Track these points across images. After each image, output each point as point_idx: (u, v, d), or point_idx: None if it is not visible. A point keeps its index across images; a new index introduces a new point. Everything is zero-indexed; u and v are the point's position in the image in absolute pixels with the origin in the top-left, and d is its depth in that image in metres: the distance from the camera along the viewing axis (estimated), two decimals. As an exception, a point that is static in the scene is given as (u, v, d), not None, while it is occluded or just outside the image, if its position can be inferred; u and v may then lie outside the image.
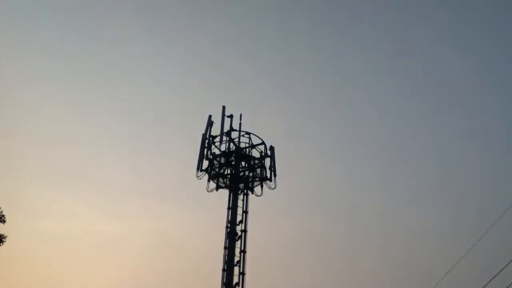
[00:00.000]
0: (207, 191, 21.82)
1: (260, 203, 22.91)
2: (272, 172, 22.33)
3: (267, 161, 22.54)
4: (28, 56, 55.19)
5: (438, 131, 60.66)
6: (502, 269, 15.27)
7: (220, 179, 22.05)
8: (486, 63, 64.10)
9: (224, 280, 18.97)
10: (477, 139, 59.58)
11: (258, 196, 22.02)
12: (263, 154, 22.54)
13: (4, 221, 18.87)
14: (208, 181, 21.95)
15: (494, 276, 15.18)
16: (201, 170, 21.88)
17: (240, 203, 21.21)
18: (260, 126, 25.66)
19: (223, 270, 19.22)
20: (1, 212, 18.32)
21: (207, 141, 22.41)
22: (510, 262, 14.51)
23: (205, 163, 22.12)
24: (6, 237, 19.04)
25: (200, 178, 21.82)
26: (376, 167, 57.39)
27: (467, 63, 64.27)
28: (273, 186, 22.18)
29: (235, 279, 18.99)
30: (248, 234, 20.44)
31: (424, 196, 55.12)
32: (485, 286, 15.63)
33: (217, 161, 22.24)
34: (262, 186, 22.17)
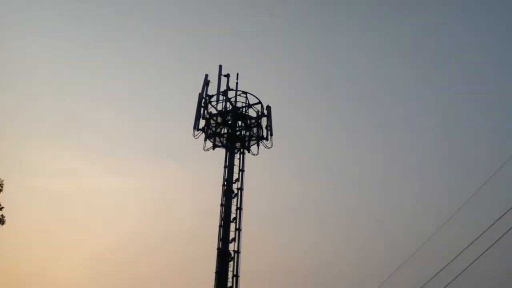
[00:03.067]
0: (204, 150, 22.09)
1: (257, 163, 23.25)
2: (269, 132, 22.55)
3: (264, 121, 22.74)
4: (29, 12, 54.30)
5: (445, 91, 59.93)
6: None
7: (217, 138, 22.29)
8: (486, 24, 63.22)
9: (221, 236, 19.47)
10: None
11: (254, 155, 22.32)
12: (259, 113, 22.68)
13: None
14: (205, 140, 22.17)
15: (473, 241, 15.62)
16: (198, 129, 22.06)
17: (236, 162, 21.51)
18: (257, 86, 25.63)
19: (220, 226, 19.70)
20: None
21: (203, 100, 22.51)
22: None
23: (202, 123, 22.29)
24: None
25: (197, 137, 22.03)
26: (378, 129, 57.35)
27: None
28: (269, 145, 22.45)
29: (231, 235, 19.49)
30: (245, 193, 20.85)
31: (427, 161, 55.31)
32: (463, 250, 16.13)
33: (213, 120, 22.40)
34: (258, 145, 22.45)
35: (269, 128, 22.60)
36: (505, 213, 14.39)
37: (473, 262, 15.52)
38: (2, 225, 17.13)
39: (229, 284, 18.49)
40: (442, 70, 61.53)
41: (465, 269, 15.77)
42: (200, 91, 22.71)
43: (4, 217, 17.54)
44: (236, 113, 22.35)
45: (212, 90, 22.85)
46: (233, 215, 20.04)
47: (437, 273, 17.11)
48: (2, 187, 18.32)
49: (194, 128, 22.01)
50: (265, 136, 22.48)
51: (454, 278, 16.28)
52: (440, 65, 61.35)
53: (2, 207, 18.32)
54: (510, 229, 14.20)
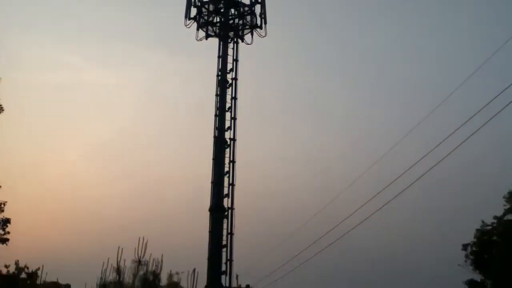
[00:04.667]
0: (196, 40, 21.65)
1: (251, 54, 22.95)
2: (263, 20, 21.92)
3: (258, 8, 22.00)
4: None
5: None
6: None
7: (210, 28, 21.74)
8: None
9: (217, 125, 19.84)
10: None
11: (248, 44, 21.91)
12: (253, 0, 21.90)
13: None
14: (197, 29, 21.64)
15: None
16: (190, 18, 21.45)
17: (230, 52, 21.18)
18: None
19: (216, 115, 19.97)
20: None
21: (194, -13, 21.58)
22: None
23: (193, 11, 21.62)
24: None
25: (189, 27, 21.50)
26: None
27: None
28: (263, 34, 21.97)
29: (227, 124, 19.84)
30: (240, 83, 20.83)
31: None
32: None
33: (205, 8, 21.69)
34: (252, 34, 21.96)
35: (263, 16, 21.93)
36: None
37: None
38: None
39: (226, 169, 19.18)
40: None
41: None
42: (190, -23, 21.68)
43: (2, 105, 17.81)
44: (228, 0, 21.58)
45: (203, -24, 21.83)
46: (228, 105, 20.24)
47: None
48: None
49: (186, 17, 21.39)
50: (259, 25, 21.91)
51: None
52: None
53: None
54: None
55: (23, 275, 29.37)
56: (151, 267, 28.72)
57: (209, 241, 18.35)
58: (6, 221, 26.96)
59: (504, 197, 30.00)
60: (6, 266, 28.11)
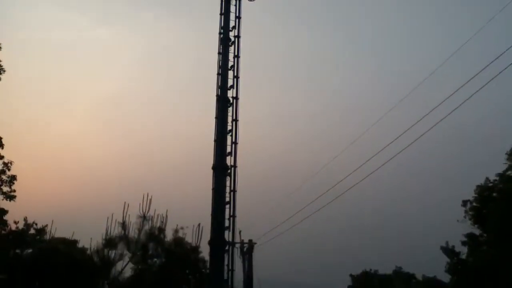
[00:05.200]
0: (198, -4, 21.24)
1: (253, 11, 22.56)
2: (265, -25, 21.42)
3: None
4: None
5: None
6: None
7: (211, -17, 21.28)
8: None
9: (219, 83, 19.79)
10: None
11: (250, 1, 21.50)
12: (255, -46, 21.29)
13: None
14: (199, -15, 21.21)
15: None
16: (191, -26, 20.98)
17: (232, 8, 20.85)
18: None
19: (218, 74, 19.88)
20: None
21: None
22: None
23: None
24: None
25: (190, -18, 21.05)
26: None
27: None
28: (266, -10, 21.52)
29: (230, 82, 19.77)
30: (242, 41, 20.59)
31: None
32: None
33: (206, -37, 21.18)
34: (255, -10, 21.47)
35: (265, -30, 21.42)
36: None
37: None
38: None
39: (229, 128, 19.29)
40: None
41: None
42: None
43: (2, 66, 17.78)
44: (230, -46, 21.01)
45: None
46: (230, 63, 20.10)
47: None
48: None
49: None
50: (261, -20, 21.41)
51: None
52: None
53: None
54: None
55: (32, 231, 30.20)
56: (156, 223, 29.41)
57: (212, 198, 18.69)
58: (13, 178, 27.49)
59: (506, 154, 30.06)
60: (15, 222, 28.89)
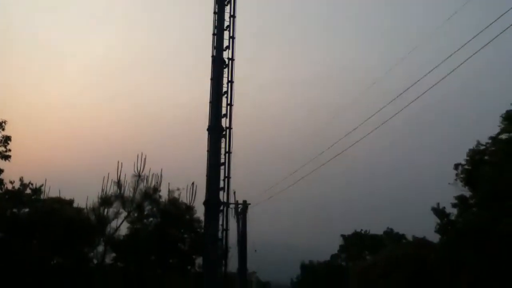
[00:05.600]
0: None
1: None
2: None
3: None
4: None
5: None
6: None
7: None
8: None
9: (215, 44, 19.58)
10: None
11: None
12: None
13: None
14: None
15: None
16: None
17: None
18: None
19: (213, 34, 19.60)
20: None
21: None
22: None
23: None
24: None
25: None
26: None
27: None
28: None
29: (225, 43, 19.57)
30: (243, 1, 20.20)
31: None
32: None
33: None
34: None
35: None
36: None
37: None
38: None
39: (224, 89, 19.22)
40: None
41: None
42: None
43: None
44: None
45: None
46: (226, 23, 19.81)
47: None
48: None
49: None
50: None
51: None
52: None
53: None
54: None
55: (28, 191, 30.44)
56: (150, 182, 29.68)
57: (207, 160, 18.83)
58: (7, 138, 27.50)
59: (501, 116, 29.86)
60: (11, 182, 29.07)
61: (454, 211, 32.85)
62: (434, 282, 30.66)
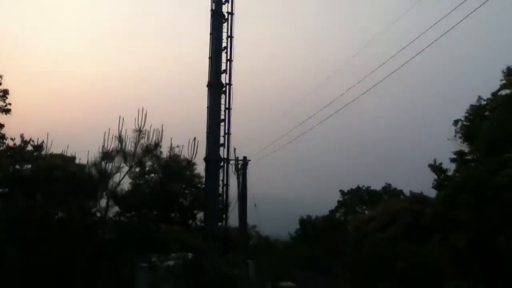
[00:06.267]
0: None
1: None
2: None
3: None
4: None
5: None
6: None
7: None
8: None
9: (213, -2, 19.21)
10: None
11: None
12: None
13: None
14: None
15: None
16: None
17: None
18: None
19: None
20: None
21: None
22: None
23: None
24: None
25: None
26: None
27: None
28: None
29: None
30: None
31: None
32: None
33: None
34: None
35: None
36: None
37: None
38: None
39: (224, 44, 19.03)
40: None
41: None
42: None
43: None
44: None
45: None
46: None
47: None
48: None
49: None
50: None
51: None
52: None
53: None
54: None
55: (29, 148, 30.59)
56: (151, 137, 29.84)
57: (207, 116, 18.89)
58: (5, 92, 27.40)
59: (503, 72, 29.62)
60: (12, 139, 29.18)
61: (452, 166, 33.15)
62: (428, 235, 31.35)
